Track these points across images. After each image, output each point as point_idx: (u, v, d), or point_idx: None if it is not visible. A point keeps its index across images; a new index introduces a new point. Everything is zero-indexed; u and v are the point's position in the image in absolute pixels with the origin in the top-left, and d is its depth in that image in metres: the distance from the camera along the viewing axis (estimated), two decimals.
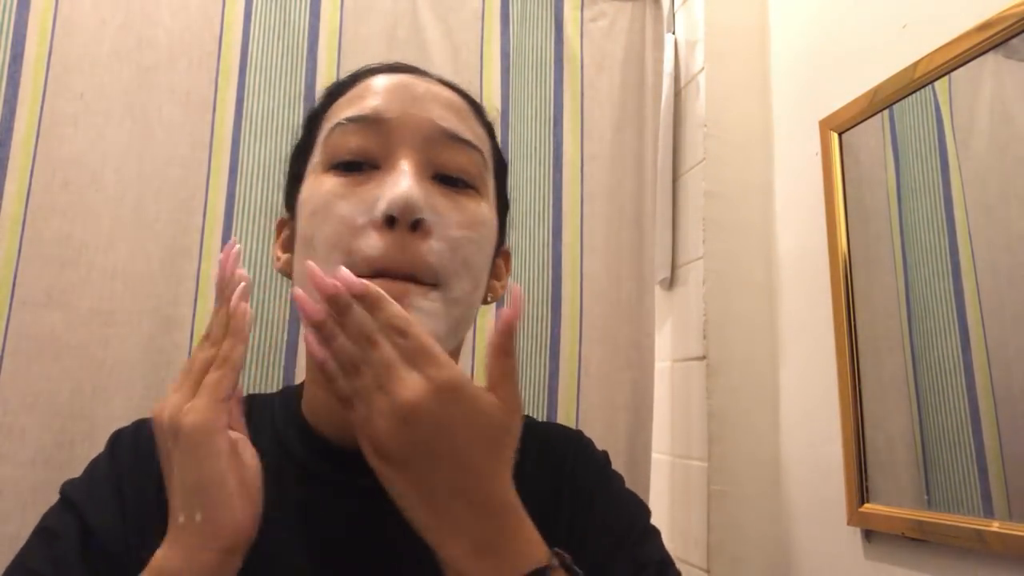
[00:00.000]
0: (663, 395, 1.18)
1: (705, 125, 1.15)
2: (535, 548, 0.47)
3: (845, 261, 0.94)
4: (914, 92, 0.84)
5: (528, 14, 1.23)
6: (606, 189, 1.20)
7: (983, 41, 0.75)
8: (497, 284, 0.67)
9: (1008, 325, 0.73)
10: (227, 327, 0.49)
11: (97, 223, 1.02)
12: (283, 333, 1.06)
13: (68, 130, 1.03)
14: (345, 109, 0.58)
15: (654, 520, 1.16)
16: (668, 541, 1.13)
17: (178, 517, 0.46)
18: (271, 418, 0.63)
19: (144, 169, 1.05)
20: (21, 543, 0.95)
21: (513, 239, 1.16)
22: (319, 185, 0.56)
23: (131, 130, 1.06)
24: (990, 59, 0.76)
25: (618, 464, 1.11)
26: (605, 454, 0.70)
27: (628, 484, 1.10)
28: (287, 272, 0.63)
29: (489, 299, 0.66)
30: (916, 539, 0.80)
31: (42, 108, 1.03)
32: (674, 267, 1.20)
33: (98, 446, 0.97)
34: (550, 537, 0.50)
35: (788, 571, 1.02)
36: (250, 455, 0.49)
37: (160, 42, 1.09)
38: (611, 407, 1.15)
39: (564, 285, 1.16)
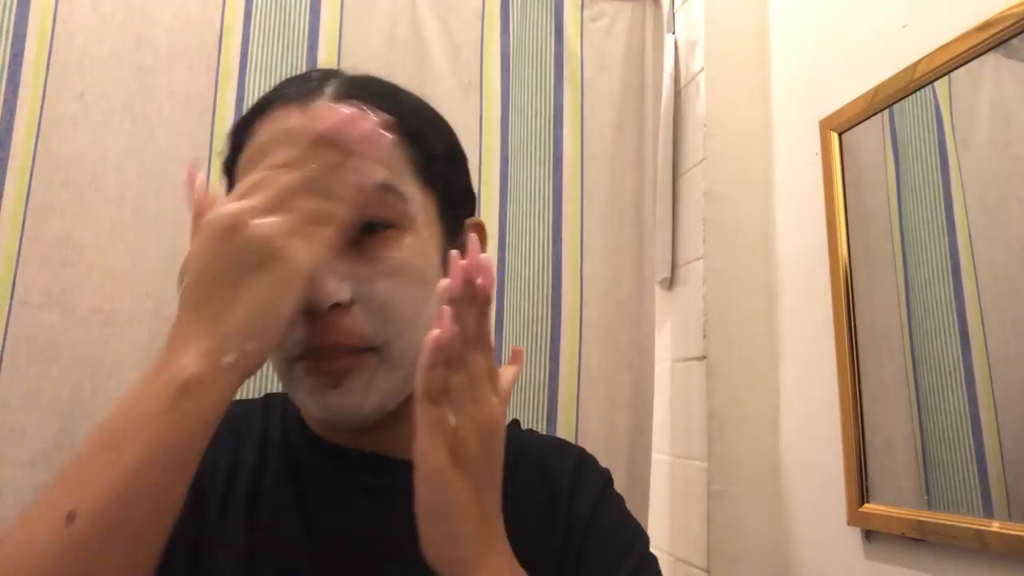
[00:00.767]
0: (663, 395, 1.18)
1: (705, 125, 1.15)
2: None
3: (845, 261, 0.94)
4: (914, 92, 0.84)
5: (528, 14, 1.22)
6: (606, 189, 1.20)
7: (983, 41, 0.75)
8: None
9: (1008, 325, 0.73)
10: (342, 187, 0.49)
11: (97, 223, 1.02)
12: None
13: (68, 130, 1.03)
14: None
15: (654, 519, 1.17)
16: (668, 541, 1.14)
17: (226, 330, 0.46)
18: (261, 423, 0.63)
19: (144, 169, 1.05)
20: None
21: (513, 239, 1.17)
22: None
23: (131, 130, 1.05)
24: (990, 59, 0.76)
25: (618, 464, 1.12)
26: (607, 473, 0.68)
27: (628, 484, 1.11)
28: None
29: None
30: (916, 539, 0.80)
31: (42, 108, 1.03)
32: (674, 267, 1.20)
33: None
34: (543, 555, 0.50)
35: (788, 571, 1.02)
36: None
37: (160, 42, 1.09)
38: (611, 407, 1.15)
39: (564, 285, 1.16)
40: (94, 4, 1.07)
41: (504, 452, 0.59)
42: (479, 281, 0.47)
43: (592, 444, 1.08)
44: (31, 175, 1.01)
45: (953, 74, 0.80)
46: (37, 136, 1.02)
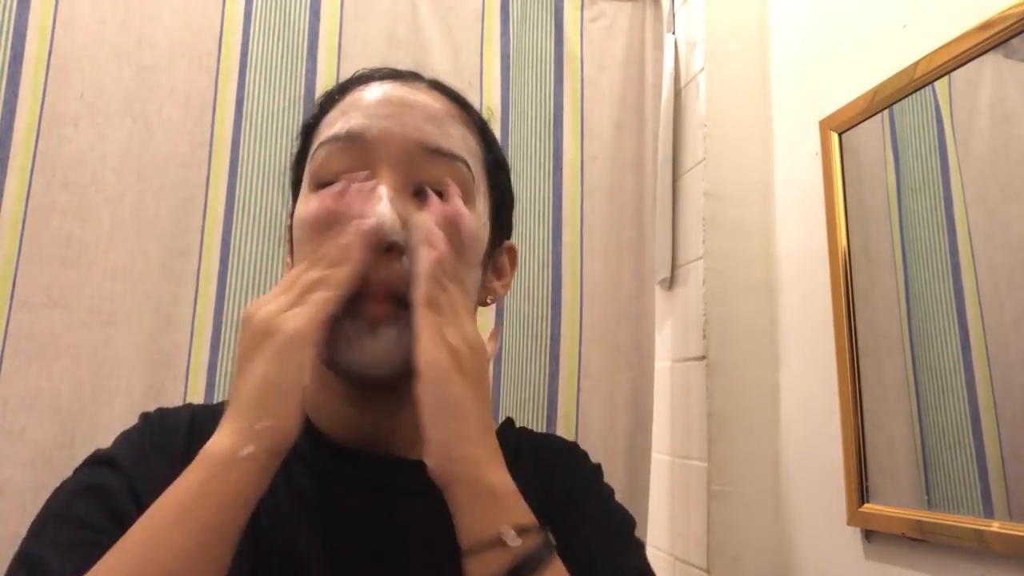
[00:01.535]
0: (663, 395, 1.18)
1: (705, 125, 1.15)
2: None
3: (845, 261, 0.94)
4: (914, 92, 0.84)
5: (528, 14, 1.23)
6: (606, 189, 1.20)
7: (983, 41, 0.75)
8: (498, 284, 0.68)
9: (1008, 325, 0.73)
10: (342, 253, 0.52)
11: (97, 223, 1.02)
12: None
13: (68, 130, 1.03)
14: (331, 125, 0.60)
15: (654, 519, 1.17)
16: (668, 541, 1.14)
17: (243, 410, 0.48)
18: None
19: (144, 169, 1.05)
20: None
21: (513, 239, 1.16)
22: (306, 205, 0.58)
23: (131, 130, 1.06)
24: (990, 59, 0.76)
25: (618, 464, 1.12)
26: (598, 466, 0.70)
27: (628, 484, 1.12)
28: None
29: (489, 300, 0.67)
30: (916, 539, 0.80)
31: (42, 108, 1.03)
32: (674, 267, 1.20)
33: (98, 446, 0.98)
34: None
35: (788, 571, 1.02)
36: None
37: (160, 42, 1.09)
38: (611, 407, 1.15)
39: (564, 285, 1.16)
40: (94, 4, 1.07)
41: (501, 447, 0.60)
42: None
43: (592, 444, 1.09)
44: (31, 175, 1.02)
45: (953, 74, 0.80)
46: (37, 136, 1.02)
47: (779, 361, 1.09)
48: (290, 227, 0.67)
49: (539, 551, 0.48)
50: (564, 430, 1.11)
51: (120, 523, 0.52)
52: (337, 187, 0.55)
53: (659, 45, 1.26)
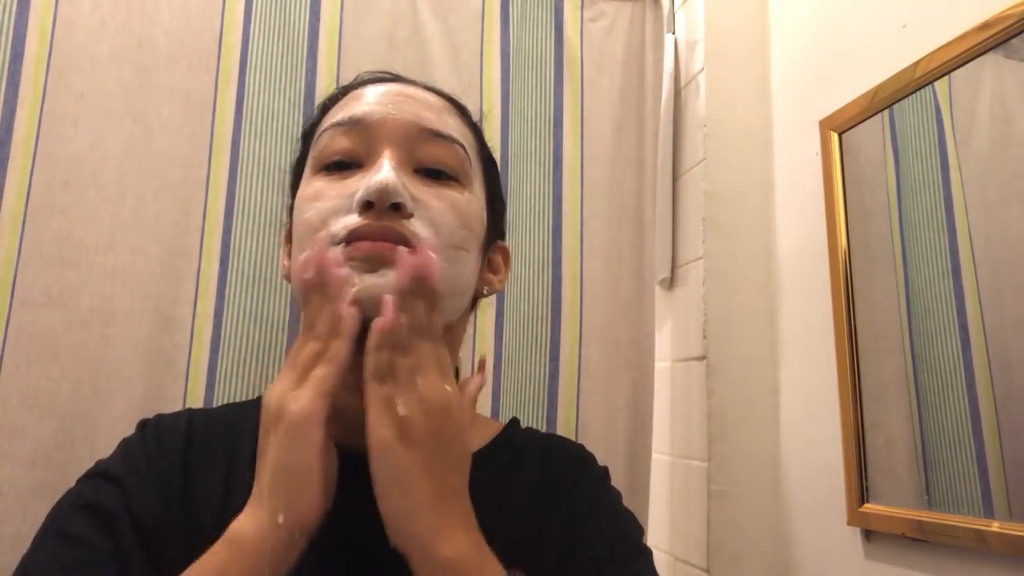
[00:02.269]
0: (663, 395, 1.18)
1: (705, 125, 1.15)
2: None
3: (845, 261, 0.94)
4: (914, 92, 0.84)
5: (528, 14, 1.23)
6: (606, 189, 1.20)
7: (983, 41, 0.75)
8: (494, 278, 0.69)
9: (1008, 325, 0.73)
10: (333, 326, 0.52)
11: (97, 223, 1.02)
12: (283, 333, 1.06)
13: (68, 130, 1.03)
14: (333, 117, 0.62)
15: (654, 519, 1.17)
16: (668, 541, 1.14)
17: (263, 493, 0.49)
18: (255, 428, 0.63)
19: (144, 169, 1.05)
20: (21, 543, 0.95)
21: (513, 239, 1.17)
22: (308, 187, 0.60)
23: (131, 130, 1.05)
24: (990, 59, 0.76)
25: (618, 464, 1.12)
26: (605, 470, 0.71)
27: (628, 484, 1.11)
28: (290, 278, 0.65)
29: (485, 292, 0.67)
30: (916, 539, 0.80)
31: (42, 108, 1.03)
32: (674, 267, 1.20)
33: (98, 446, 0.98)
34: (543, 547, 0.51)
35: (788, 571, 1.02)
36: (333, 452, 0.52)
37: (160, 42, 1.09)
38: (611, 407, 1.15)
39: (564, 285, 1.16)
40: (94, 4, 1.07)
41: (504, 448, 0.60)
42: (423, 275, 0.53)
43: (592, 444, 1.08)
44: (31, 175, 1.01)
45: (953, 74, 0.80)
46: (37, 136, 1.02)
47: (779, 361, 1.09)
48: (288, 229, 0.67)
49: None
50: (564, 430, 1.11)
51: (116, 541, 0.54)
52: (314, 254, 0.54)
53: (659, 45, 1.26)
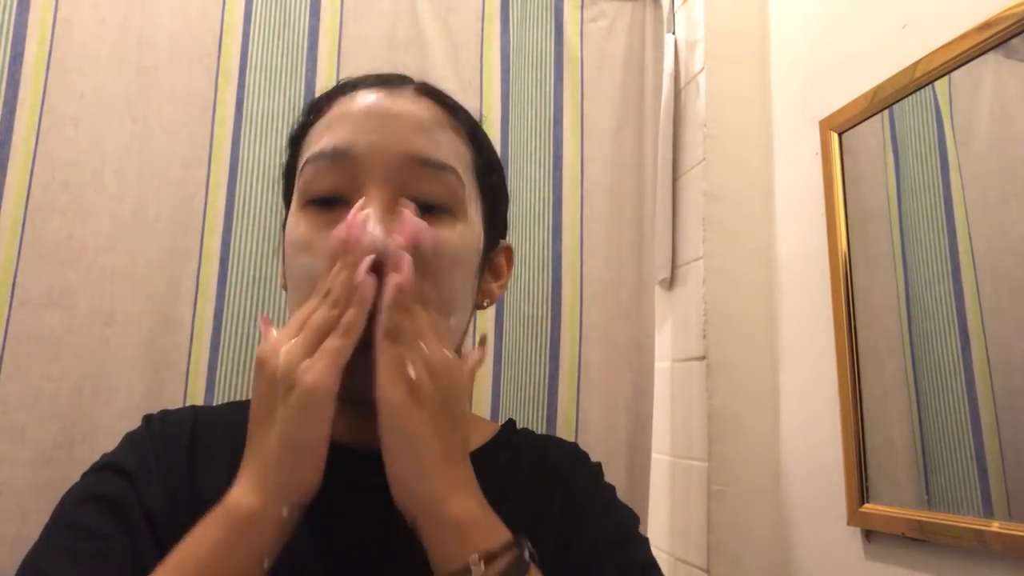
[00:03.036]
0: (663, 395, 1.18)
1: (705, 125, 1.15)
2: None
3: (845, 261, 0.94)
4: (914, 92, 0.84)
5: (528, 14, 1.22)
6: (606, 189, 1.20)
7: (983, 41, 0.75)
8: (495, 285, 0.68)
9: (1008, 325, 0.73)
10: (350, 293, 0.51)
11: (97, 223, 1.02)
12: None
13: (68, 130, 1.03)
14: (316, 140, 0.60)
15: (654, 519, 1.17)
16: (668, 541, 1.14)
17: (266, 466, 0.48)
18: None
19: (144, 169, 1.05)
20: (21, 543, 0.95)
21: (513, 239, 1.16)
22: (296, 224, 0.59)
23: (131, 130, 1.05)
24: (990, 59, 0.76)
25: (618, 464, 1.12)
26: (599, 465, 0.71)
27: (628, 484, 1.11)
28: (287, 287, 0.64)
29: (485, 303, 0.67)
30: (916, 539, 0.80)
31: (42, 108, 1.03)
32: (674, 267, 1.20)
33: (98, 446, 0.97)
34: (541, 544, 0.51)
35: (788, 571, 1.02)
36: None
37: (160, 42, 1.09)
38: (611, 407, 1.15)
39: (564, 285, 1.16)
40: (94, 4, 1.07)
41: (501, 450, 0.60)
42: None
43: (592, 444, 1.08)
44: (31, 175, 1.02)
45: (953, 74, 0.80)
46: (37, 136, 1.02)
47: (779, 361, 1.09)
48: (284, 239, 0.66)
49: (511, 571, 0.47)
50: (564, 430, 1.11)
51: (129, 532, 0.53)
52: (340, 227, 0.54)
53: (659, 45, 1.26)
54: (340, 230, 0.53)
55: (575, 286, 1.16)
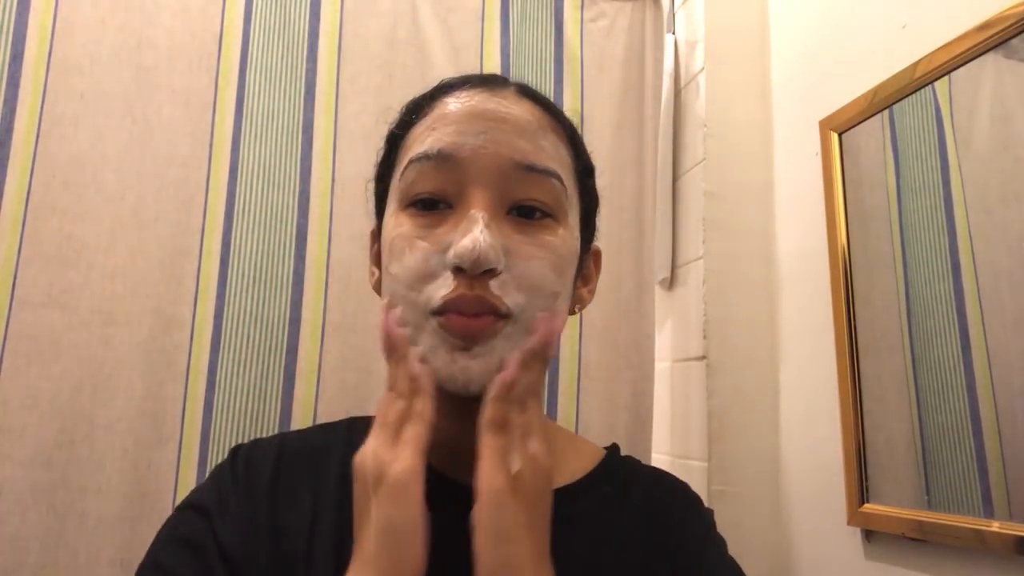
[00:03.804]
0: (663, 395, 1.18)
1: (705, 125, 1.15)
2: None
3: (845, 261, 0.94)
4: (914, 92, 0.84)
5: (528, 14, 1.23)
6: (606, 189, 1.20)
7: (983, 41, 0.75)
8: (585, 291, 0.67)
9: (1008, 325, 0.73)
10: (411, 385, 0.53)
11: (97, 223, 1.02)
12: (283, 333, 1.06)
13: (68, 130, 1.03)
14: (419, 141, 0.59)
15: None
16: None
17: (368, 557, 0.49)
18: (343, 452, 0.63)
19: (144, 169, 1.05)
20: (21, 543, 0.96)
21: None
22: (397, 224, 0.58)
23: (131, 130, 1.06)
24: (990, 59, 0.76)
25: None
26: (712, 513, 0.69)
27: None
28: (379, 289, 0.64)
29: (577, 309, 0.66)
30: (916, 539, 0.80)
31: (42, 108, 1.03)
32: (674, 267, 1.20)
33: (98, 446, 0.98)
34: None
35: (788, 571, 1.02)
36: (426, 513, 0.52)
37: (160, 43, 1.09)
38: (611, 407, 1.15)
39: None
40: (94, 4, 1.07)
41: (607, 478, 0.63)
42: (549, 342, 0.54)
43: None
44: (31, 175, 1.02)
45: (953, 74, 0.80)
46: (37, 136, 1.02)
47: (779, 361, 1.09)
48: (374, 234, 0.66)
49: None
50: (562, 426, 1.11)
51: (206, 574, 0.55)
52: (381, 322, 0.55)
53: (659, 45, 1.26)
54: (383, 324, 0.55)
55: None
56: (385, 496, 0.49)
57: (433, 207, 0.57)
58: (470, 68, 1.18)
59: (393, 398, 0.53)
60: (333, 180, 1.12)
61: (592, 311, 1.16)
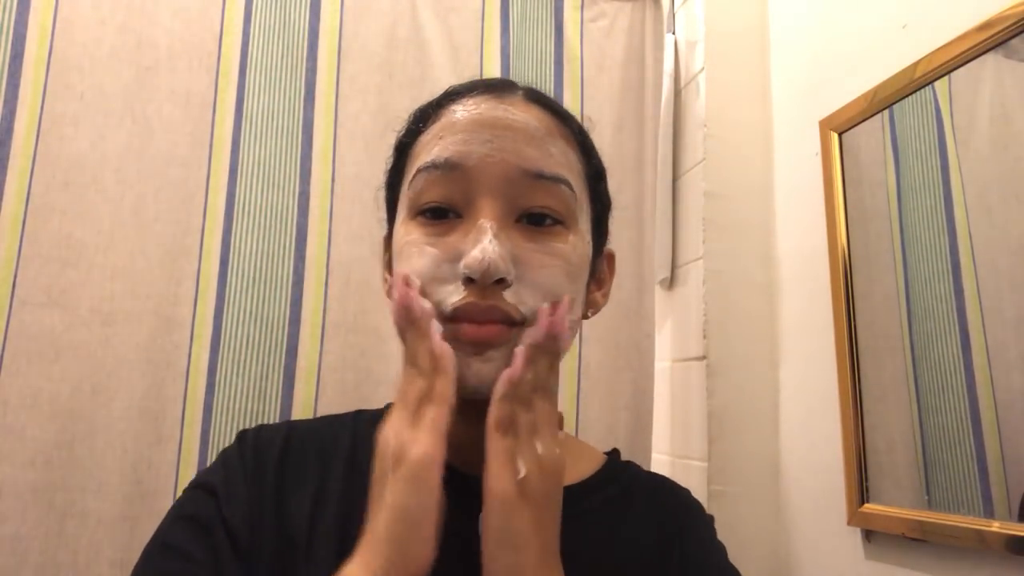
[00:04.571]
0: (663, 395, 1.18)
1: (705, 125, 1.15)
2: None
3: (845, 261, 0.94)
4: (914, 92, 0.84)
5: (528, 14, 1.23)
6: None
7: (983, 41, 0.75)
8: (598, 294, 0.67)
9: (1008, 325, 0.73)
10: (432, 363, 0.52)
11: (97, 223, 1.02)
12: (283, 333, 1.06)
13: (68, 130, 1.03)
14: (427, 149, 0.59)
15: None
16: None
17: (378, 540, 0.48)
18: (350, 442, 0.63)
19: (144, 169, 1.05)
20: (21, 543, 0.96)
21: None
22: (407, 232, 0.58)
23: (131, 130, 1.06)
24: (990, 59, 0.76)
25: None
26: (712, 520, 0.69)
27: None
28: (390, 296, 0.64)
29: (590, 314, 0.66)
30: (916, 539, 0.80)
31: (42, 108, 1.03)
32: (674, 267, 1.20)
33: (98, 446, 0.98)
34: None
35: (788, 571, 1.02)
36: (442, 498, 0.51)
37: (160, 42, 1.09)
38: (611, 407, 1.15)
39: None
40: (94, 4, 1.07)
41: (609, 483, 0.62)
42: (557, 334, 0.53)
43: (592, 444, 1.08)
44: (31, 175, 1.02)
45: (953, 74, 0.80)
46: (37, 136, 1.02)
47: (779, 361, 1.09)
48: (386, 240, 0.66)
49: None
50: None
51: (215, 553, 0.55)
52: (399, 295, 0.54)
53: (659, 45, 1.26)
54: (401, 296, 0.54)
55: None
56: (402, 479, 0.48)
57: (442, 216, 0.56)
58: (470, 68, 1.18)
59: (413, 375, 0.52)
60: (333, 180, 1.12)
61: None
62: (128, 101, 1.06)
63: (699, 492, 1.05)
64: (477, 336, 0.53)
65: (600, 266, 0.67)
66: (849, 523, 0.90)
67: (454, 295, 0.54)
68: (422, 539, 0.48)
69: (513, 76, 1.20)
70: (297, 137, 1.11)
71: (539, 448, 0.51)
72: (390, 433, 0.51)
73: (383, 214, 0.67)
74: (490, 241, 0.52)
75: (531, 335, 0.53)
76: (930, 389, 0.81)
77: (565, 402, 1.13)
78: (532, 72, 1.21)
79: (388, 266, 0.65)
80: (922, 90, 0.83)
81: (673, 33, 1.25)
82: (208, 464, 1.02)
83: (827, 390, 0.95)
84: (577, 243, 0.59)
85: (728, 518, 1.03)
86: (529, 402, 0.52)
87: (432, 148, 0.58)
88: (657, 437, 1.16)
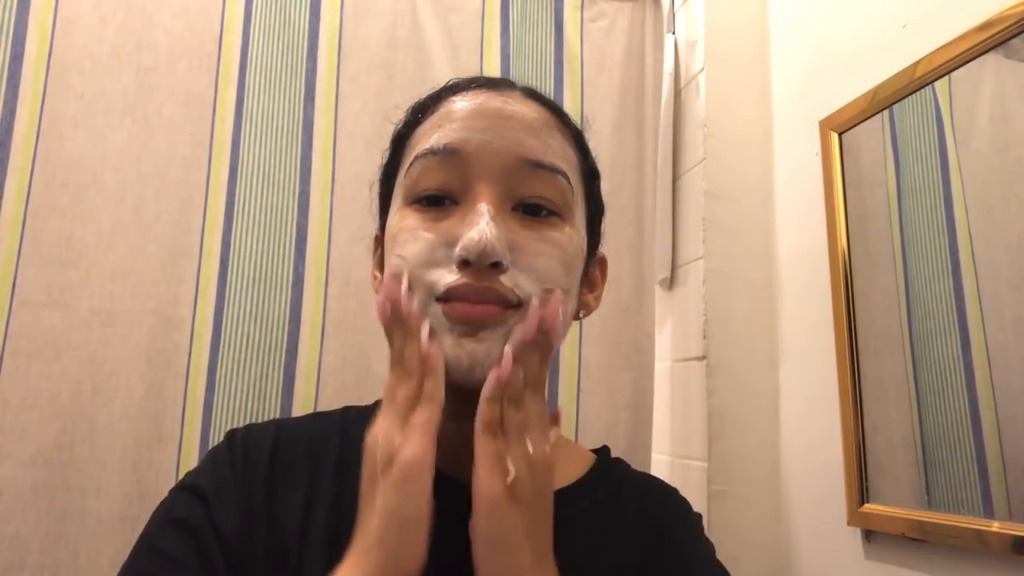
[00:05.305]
0: (663, 395, 1.18)
1: (705, 125, 1.15)
2: None
3: (845, 261, 0.94)
4: (914, 92, 0.84)
5: (528, 14, 1.23)
6: (606, 189, 1.19)
7: (983, 41, 0.75)
8: (590, 297, 0.67)
9: (1008, 325, 0.73)
10: (421, 364, 0.51)
11: (97, 223, 1.02)
12: (283, 333, 1.06)
13: (68, 130, 1.03)
14: (425, 138, 0.58)
15: None
16: None
17: (369, 544, 0.48)
18: (339, 442, 0.63)
19: (144, 169, 1.05)
20: (21, 543, 0.96)
21: None
22: (401, 219, 0.57)
23: (131, 130, 1.06)
24: (990, 59, 0.76)
25: None
26: (699, 517, 0.69)
27: None
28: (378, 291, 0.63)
29: (582, 315, 0.65)
30: (916, 539, 0.80)
31: (42, 108, 1.03)
32: (674, 267, 1.20)
33: (98, 446, 0.98)
34: None
35: (788, 571, 1.02)
36: (432, 501, 0.51)
37: (160, 43, 1.09)
38: (611, 407, 1.15)
39: None
40: (94, 4, 1.07)
41: (599, 482, 0.62)
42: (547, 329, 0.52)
43: (592, 444, 1.08)
44: (31, 175, 1.02)
45: (953, 74, 0.80)
46: (37, 136, 1.02)
47: (779, 361, 1.09)
48: (378, 238, 0.65)
49: None
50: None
51: (204, 558, 0.54)
52: (385, 292, 0.53)
53: (659, 45, 1.26)
54: (388, 292, 0.53)
55: None
56: (392, 482, 0.48)
57: (439, 203, 0.56)
58: (470, 68, 1.18)
59: (401, 376, 0.52)
60: (333, 180, 1.12)
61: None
62: (128, 101, 1.06)
63: (699, 492, 1.05)
64: (470, 314, 0.52)
65: (592, 269, 0.67)
66: (849, 523, 0.90)
67: (448, 277, 0.53)
68: (413, 543, 0.47)
69: (513, 76, 1.20)
70: (297, 137, 1.11)
71: (529, 448, 0.50)
72: (379, 435, 0.50)
73: (375, 208, 0.66)
74: (487, 223, 0.52)
75: (521, 330, 0.52)
76: (930, 389, 0.81)
77: (565, 402, 1.13)
78: (532, 72, 1.21)
79: (379, 263, 0.64)
80: (922, 90, 0.83)
81: (673, 33, 1.25)
82: None
83: (827, 390, 0.95)
84: (573, 235, 0.58)
85: (728, 518, 1.03)
86: (519, 401, 0.51)
87: (431, 136, 0.58)
88: (657, 437, 1.16)
